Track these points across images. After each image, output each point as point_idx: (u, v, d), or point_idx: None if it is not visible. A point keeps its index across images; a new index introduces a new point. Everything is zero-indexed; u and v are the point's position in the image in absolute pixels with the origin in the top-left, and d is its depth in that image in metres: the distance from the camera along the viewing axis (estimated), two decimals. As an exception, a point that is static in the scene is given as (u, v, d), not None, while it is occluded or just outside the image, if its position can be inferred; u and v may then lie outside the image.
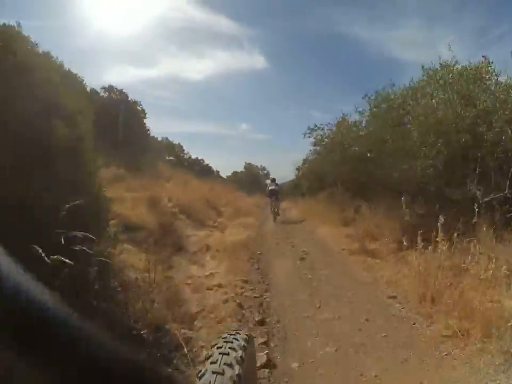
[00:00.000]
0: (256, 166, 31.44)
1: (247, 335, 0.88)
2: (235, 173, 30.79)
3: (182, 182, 11.10)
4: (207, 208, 8.23)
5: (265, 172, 31.17)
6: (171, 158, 22.52)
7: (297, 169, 17.31)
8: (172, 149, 23.95)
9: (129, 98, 15.64)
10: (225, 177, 28.29)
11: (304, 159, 15.71)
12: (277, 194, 10.10)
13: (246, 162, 31.33)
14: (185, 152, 25.58)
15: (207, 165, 27.57)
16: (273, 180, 10.87)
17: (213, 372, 0.70)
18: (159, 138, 23.52)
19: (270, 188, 10.22)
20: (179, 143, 25.03)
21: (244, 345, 0.80)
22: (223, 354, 0.75)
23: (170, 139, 23.61)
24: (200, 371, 0.73)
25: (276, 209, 9.96)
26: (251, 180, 28.24)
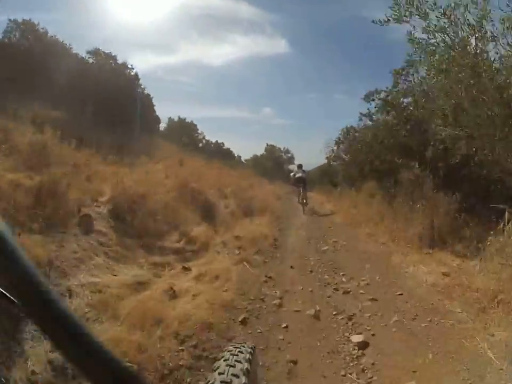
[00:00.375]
0: (279, 149, 26.54)
1: (251, 347, 0.90)
2: (255, 157, 26.67)
3: (176, 163, 8.16)
4: (189, 205, 4.64)
5: (289, 155, 26.37)
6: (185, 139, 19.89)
7: (333, 149, 12.11)
8: (185, 130, 21.28)
9: (118, 62, 13.67)
10: (244, 161, 25.33)
11: (341, 136, 11.37)
12: (304, 182, 8.68)
13: (267, 144, 26.49)
14: (199, 132, 22.64)
15: (228, 148, 25.25)
16: (300, 166, 9.31)
17: (221, 382, 0.72)
18: (176, 119, 21.32)
19: (297, 176, 8.82)
20: (192, 121, 22.05)
21: (249, 358, 0.83)
22: (230, 366, 0.77)
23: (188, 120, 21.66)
24: (209, 381, 0.75)
25: (305, 200, 8.54)
26: (273, 164, 24.50)
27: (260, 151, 26.27)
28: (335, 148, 11.82)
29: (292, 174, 9.72)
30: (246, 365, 0.80)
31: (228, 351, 0.86)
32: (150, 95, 16.01)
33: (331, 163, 13.32)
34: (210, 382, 0.76)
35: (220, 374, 0.77)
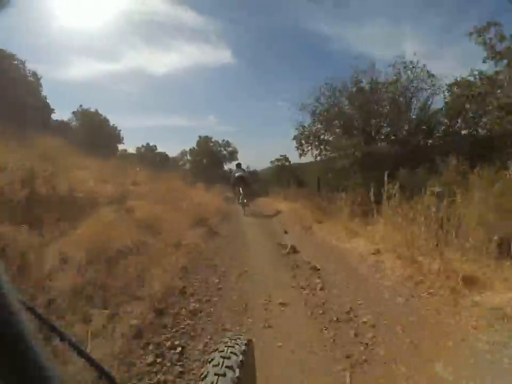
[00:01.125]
0: (216, 142, 21.43)
1: (247, 340, 0.88)
2: (183, 153, 22.20)
3: None
4: None
5: (229, 149, 21.67)
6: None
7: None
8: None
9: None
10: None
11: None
12: (245, 182, 8.26)
13: (200, 136, 21.45)
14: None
15: (164, 153, 22.50)
16: (239, 165, 8.96)
17: (215, 374, 0.72)
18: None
19: (236, 175, 8.36)
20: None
21: (244, 350, 0.81)
22: (225, 358, 0.76)
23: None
24: (203, 373, 0.75)
25: (245, 200, 8.07)
26: (210, 162, 20.64)
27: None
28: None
29: (232, 174, 8.97)
30: (241, 357, 0.78)
31: (223, 343, 0.84)
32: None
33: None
34: (203, 375, 0.74)
35: (214, 366, 0.75)
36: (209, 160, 21.23)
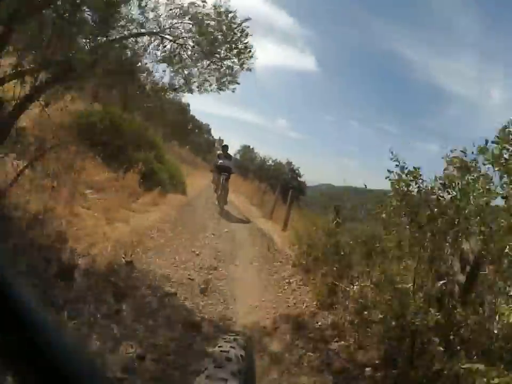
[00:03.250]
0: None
1: (246, 337, 0.97)
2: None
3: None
4: None
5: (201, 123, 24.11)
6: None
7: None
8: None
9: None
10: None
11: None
12: (229, 172, 6.87)
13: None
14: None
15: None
16: (225, 148, 7.38)
17: (215, 367, 0.75)
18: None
19: (219, 162, 6.98)
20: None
21: (243, 346, 0.85)
22: (224, 352, 0.80)
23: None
24: (203, 366, 0.78)
25: (223, 193, 6.66)
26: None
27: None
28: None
29: (216, 158, 7.49)
30: (240, 352, 0.81)
31: (223, 339, 0.88)
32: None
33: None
34: (204, 368, 0.78)
35: (214, 359, 0.79)
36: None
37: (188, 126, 22.08)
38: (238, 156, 23.14)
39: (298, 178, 18.49)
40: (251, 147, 24.32)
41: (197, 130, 24.54)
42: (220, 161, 6.98)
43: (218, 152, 7.60)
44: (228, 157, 7.12)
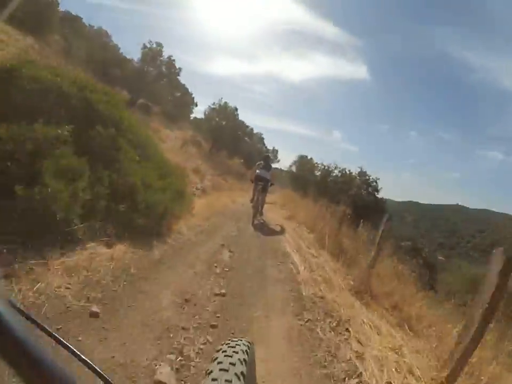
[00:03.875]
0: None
1: (249, 342, 0.93)
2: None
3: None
4: None
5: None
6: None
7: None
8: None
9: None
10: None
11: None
12: (266, 183, 6.82)
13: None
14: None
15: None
16: (267, 158, 7.38)
17: (220, 370, 0.77)
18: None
19: (257, 172, 6.93)
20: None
21: (246, 350, 0.87)
22: (228, 356, 0.82)
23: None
24: (208, 369, 0.80)
25: (260, 206, 6.87)
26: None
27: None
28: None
29: (256, 165, 7.37)
30: (243, 356, 0.83)
31: (226, 344, 0.88)
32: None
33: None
34: (209, 371, 0.79)
35: (218, 363, 0.80)
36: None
37: (238, 132, 19.56)
38: (293, 168, 20.02)
39: (375, 193, 13.60)
40: (309, 157, 20.89)
41: (247, 138, 21.88)
42: (258, 171, 6.93)
43: (258, 162, 7.34)
44: (267, 167, 7.01)
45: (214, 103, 18.69)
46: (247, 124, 21.21)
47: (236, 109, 18.91)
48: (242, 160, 23.15)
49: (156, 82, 16.35)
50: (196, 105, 21.84)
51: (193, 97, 21.45)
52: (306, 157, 20.98)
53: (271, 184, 7.12)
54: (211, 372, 0.78)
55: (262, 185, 6.63)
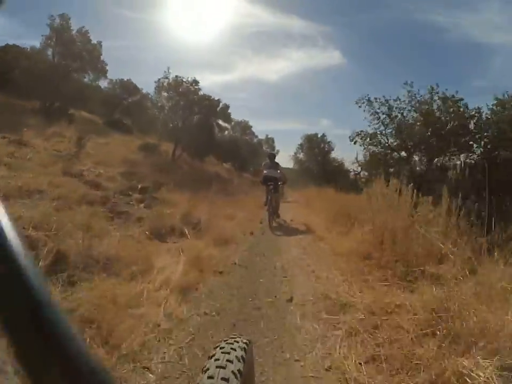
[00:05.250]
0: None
1: (247, 340, 0.89)
2: None
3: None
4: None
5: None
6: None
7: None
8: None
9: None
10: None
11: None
12: (276, 182, 6.25)
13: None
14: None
15: None
16: (272, 157, 6.69)
17: (217, 367, 0.74)
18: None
19: (265, 172, 6.39)
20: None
21: (244, 348, 0.84)
22: (225, 353, 0.78)
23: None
24: (205, 366, 0.76)
25: (274, 208, 6.11)
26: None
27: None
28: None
29: (262, 166, 6.92)
30: (241, 353, 0.79)
31: (224, 341, 0.84)
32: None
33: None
34: (205, 368, 0.74)
35: (215, 360, 0.76)
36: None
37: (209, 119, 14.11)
38: (301, 155, 18.21)
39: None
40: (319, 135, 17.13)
41: (226, 125, 16.68)
42: (265, 171, 6.48)
43: (264, 162, 6.96)
44: (275, 165, 6.56)
45: (158, 80, 12.60)
46: (220, 101, 14.43)
47: (197, 82, 12.80)
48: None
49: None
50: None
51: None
52: (316, 135, 16.70)
53: (284, 183, 7.06)
54: (208, 369, 0.74)
55: (273, 185, 6.20)
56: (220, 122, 14.82)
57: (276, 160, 6.76)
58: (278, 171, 6.47)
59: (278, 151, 23.87)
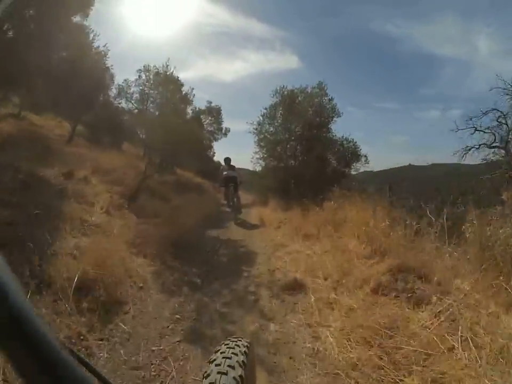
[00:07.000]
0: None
1: (248, 342, 0.88)
2: None
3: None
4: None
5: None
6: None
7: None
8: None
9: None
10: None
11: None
12: (236, 182, 7.05)
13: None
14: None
15: None
16: (228, 161, 7.34)
17: (218, 372, 0.73)
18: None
19: (224, 174, 7.11)
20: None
21: (245, 351, 0.82)
22: (226, 358, 0.77)
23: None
24: (206, 371, 0.76)
25: (235, 203, 6.93)
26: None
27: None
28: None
29: (220, 170, 7.70)
30: (242, 358, 0.78)
31: (225, 345, 0.84)
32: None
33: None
34: (206, 373, 0.75)
35: (216, 365, 0.75)
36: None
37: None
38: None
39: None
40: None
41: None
42: (225, 172, 7.06)
43: (221, 167, 7.71)
44: (232, 167, 7.20)
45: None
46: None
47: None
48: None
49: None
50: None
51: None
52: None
53: (240, 182, 7.39)
54: (208, 374, 0.73)
55: (233, 185, 6.86)
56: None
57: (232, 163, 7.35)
58: (235, 171, 7.19)
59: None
